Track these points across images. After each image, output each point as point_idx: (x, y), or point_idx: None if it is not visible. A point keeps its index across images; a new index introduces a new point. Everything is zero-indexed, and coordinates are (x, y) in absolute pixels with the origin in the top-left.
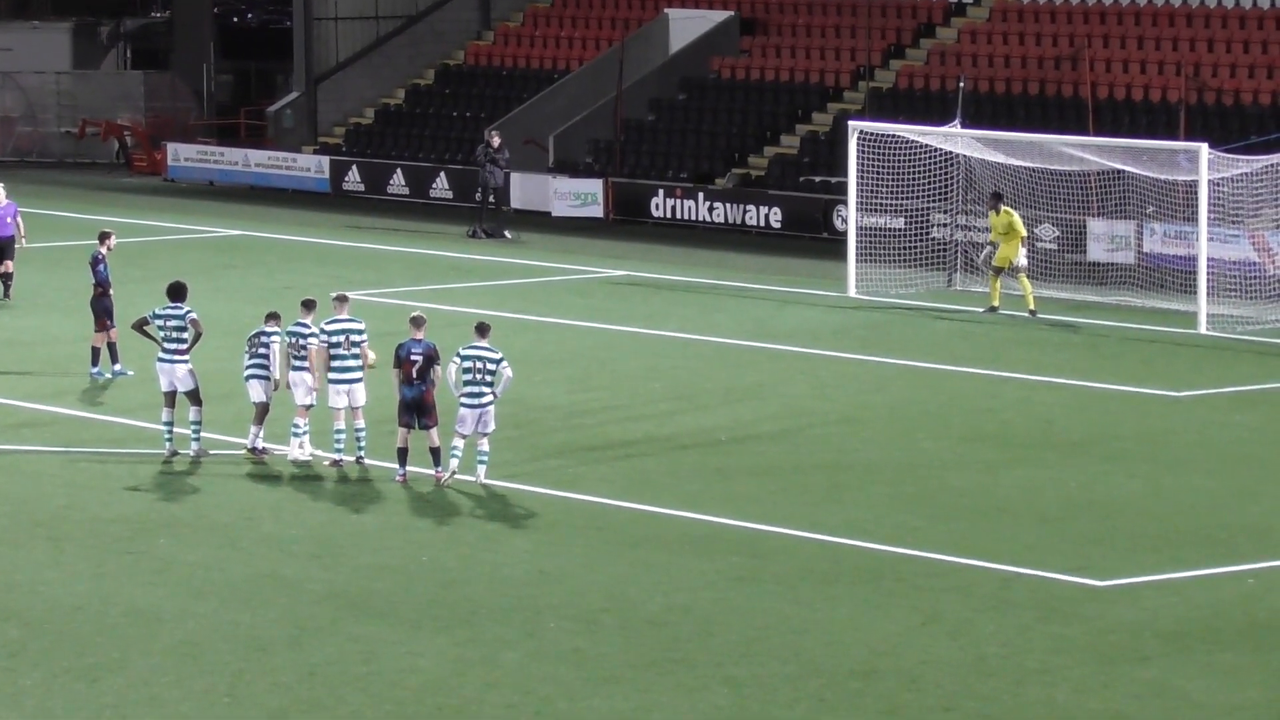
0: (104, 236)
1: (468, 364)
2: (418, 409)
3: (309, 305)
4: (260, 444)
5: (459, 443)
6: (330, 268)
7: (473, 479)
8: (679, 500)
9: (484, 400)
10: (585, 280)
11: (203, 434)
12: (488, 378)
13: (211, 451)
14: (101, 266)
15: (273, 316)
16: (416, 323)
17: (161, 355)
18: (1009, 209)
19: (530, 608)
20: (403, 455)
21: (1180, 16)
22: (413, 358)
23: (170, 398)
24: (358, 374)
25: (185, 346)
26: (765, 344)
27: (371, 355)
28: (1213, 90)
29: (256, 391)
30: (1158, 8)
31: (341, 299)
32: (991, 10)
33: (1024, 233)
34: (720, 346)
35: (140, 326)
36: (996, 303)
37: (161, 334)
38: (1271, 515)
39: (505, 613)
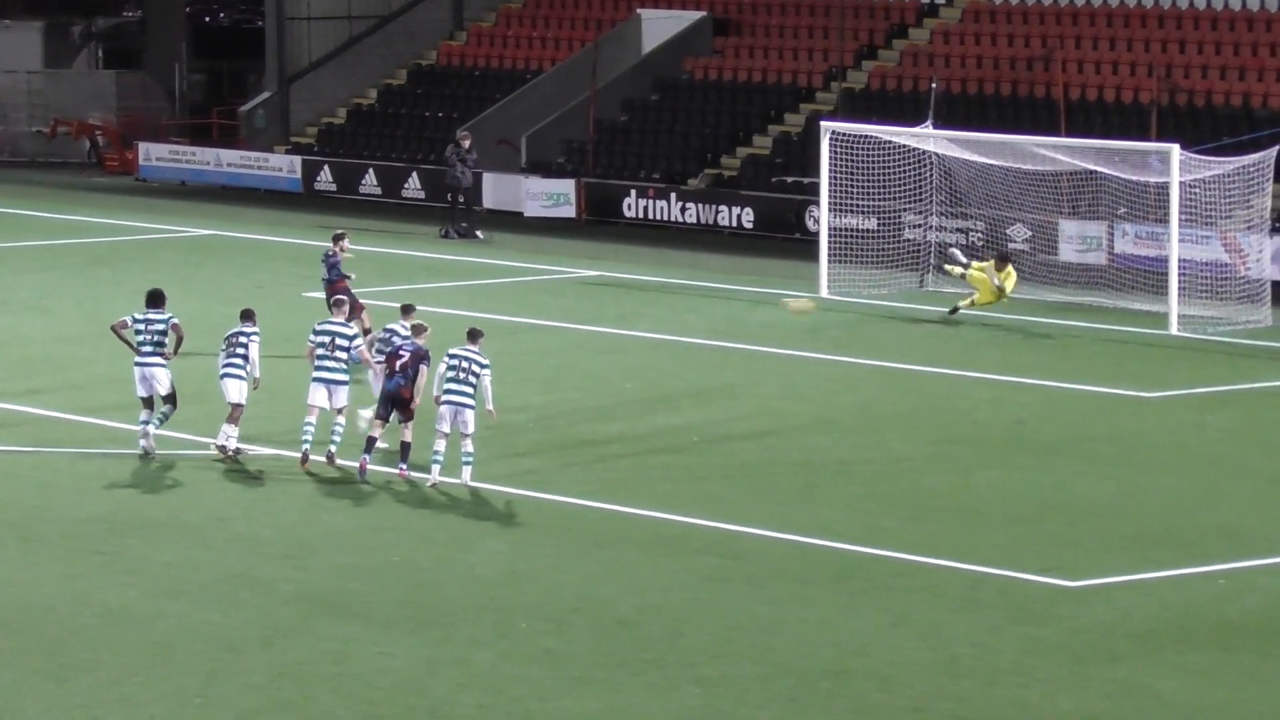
0: (337, 238)
1: (453, 363)
2: (395, 402)
3: (339, 305)
4: (234, 445)
5: (440, 445)
6: (301, 268)
7: (458, 481)
8: (651, 500)
9: (462, 400)
10: (558, 280)
11: (173, 434)
12: (471, 379)
13: (182, 451)
14: (334, 266)
15: (248, 315)
16: (417, 330)
17: (139, 360)
18: (1012, 269)
19: (502, 608)
20: (370, 444)
21: (1152, 18)
22: (401, 353)
23: (147, 402)
24: (342, 376)
25: (165, 350)
26: (737, 344)
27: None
28: (1184, 91)
29: (233, 391)
30: (1129, 9)
31: (339, 303)
32: (963, 11)
33: (1008, 292)
34: (692, 347)
35: (118, 330)
36: (962, 305)
37: (140, 339)
38: (1242, 516)
39: (477, 613)
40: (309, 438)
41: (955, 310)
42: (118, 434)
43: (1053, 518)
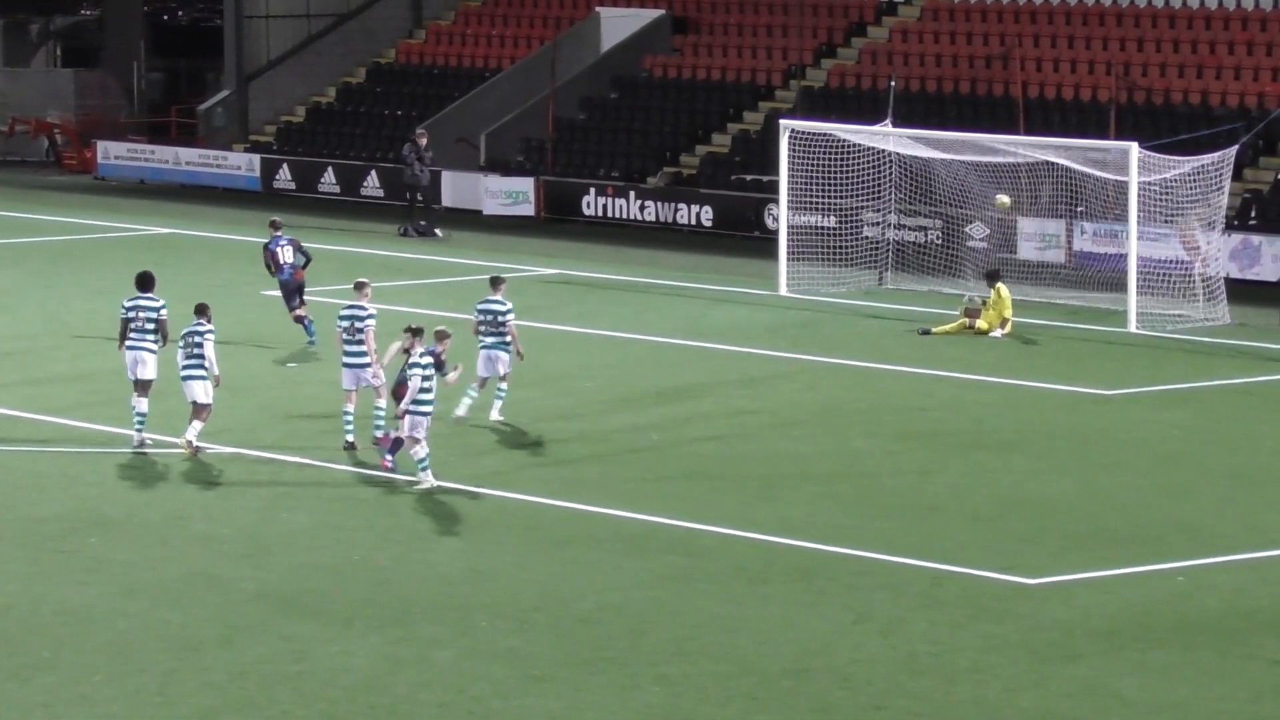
0: (275, 224)
1: (481, 316)
2: (396, 396)
3: (360, 286)
4: (197, 441)
5: (475, 390)
6: (260, 266)
7: (497, 419)
8: (611, 499)
9: (495, 345)
10: (517, 279)
11: (130, 432)
12: (498, 328)
13: (145, 448)
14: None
15: (201, 310)
16: (440, 336)
17: (130, 344)
18: (1003, 285)
19: (462, 606)
20: (397, 444)
21: (1110, 16)
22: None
23: (138, 386)
24: (365, 358)
25: (153, 338)
26: (697, 343)
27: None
28: (1142, 90)
29: (198, 392)
30: (1088, 7)
31: (361, 285)
32: (922, 9)
33: (1008, 312)
34: (652, 345)
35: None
36: (936, 330)
37: (133, 324)
38: (1201, 513)
39: (437, 611)
40: (350, 426)
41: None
42: (76, 432)
43: (1013, 516)
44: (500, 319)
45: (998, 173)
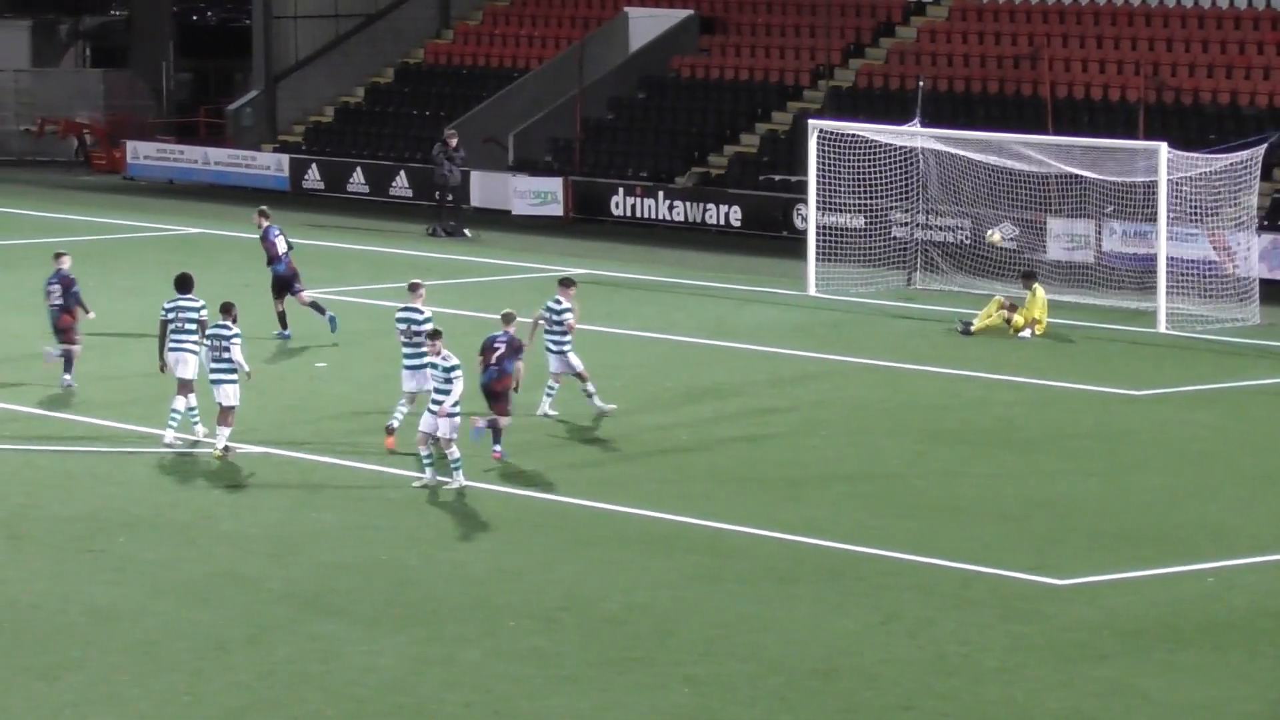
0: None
1: (545, 314)
2: (489, 395)
3: (414, 288)
4: (223, 442)
5: (555, 386)
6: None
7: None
8: (638, 499)
9: (561, 346)
10: (545, 279)
11: (161, 431)
12: (557, 326)
13: (168, 450)
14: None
15: (227, 309)
16: (507, 319)
17: (172, 344)
18: (1039, 285)
19: (490, 606)
20: (496, 432)
21: (1139, 16)
22: (496, 345)
23: (182, 385)
24: (422, 361)
25: (197, 337)
26: (725, 343)
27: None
28: (1172, 90)
29: (227, 396)
30: (1117, 7)
31: (415, 286)
32: (951, 9)
33: (1039, 313)
34: (680, 345)
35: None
36: (976, 326)
37: (174, 325)
38: (1230, 514)
39: (465, 611)
40: (397, 419)
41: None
42: (104, 432)
43: (1040, 516)
44: (557, 318)
45: (1027, 173)
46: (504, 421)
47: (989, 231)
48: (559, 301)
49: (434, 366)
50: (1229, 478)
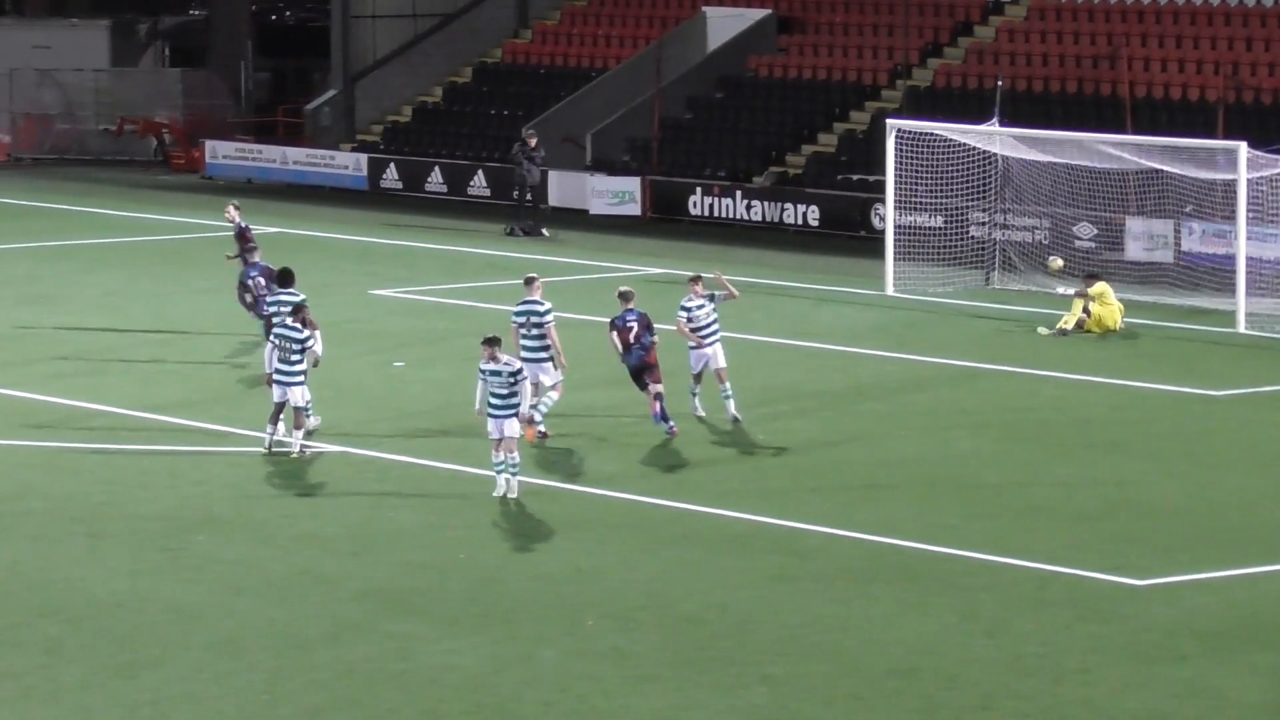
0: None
1: (681, 315)
2: (643, 371)
3: (530, 281)
4: (299, 443)
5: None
6: (367, 265)
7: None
8: (716, 498)
9: (710, 339)
10: (623, 278)
11: (245, 431)
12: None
13: (246, 449)
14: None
15: (297, 310)
16: (625, 297)
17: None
18: (1104, 283)
19: (568, 605)
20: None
21: (1219, 15)
22: (628, 324)
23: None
24: (543, 354)
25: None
26: (802, 342)
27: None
28: (1251, 89)
29: (297, 397)
30: (1196, 6)
31: (531, 280)
32: (1029, 9)
33: (1115, 306)
34: (757, 344)
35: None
36: (1069, 326)
37: (277, 319)
38: None
39: (543, 610)
40: (543, 413)
41: (1063, 331)
42: (183, 430)
43: (1119, 516)
44: (696, 313)
45: (1106, 173)
46: (661, 388)
47: (1050, 259)
48: (699, 302)
49: (496, 374)
50: None
